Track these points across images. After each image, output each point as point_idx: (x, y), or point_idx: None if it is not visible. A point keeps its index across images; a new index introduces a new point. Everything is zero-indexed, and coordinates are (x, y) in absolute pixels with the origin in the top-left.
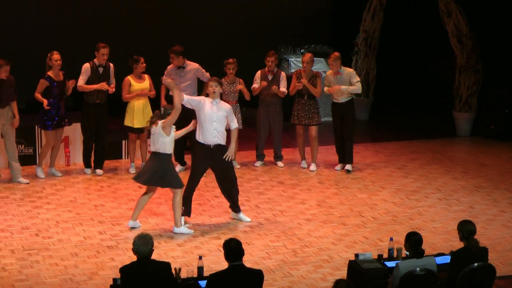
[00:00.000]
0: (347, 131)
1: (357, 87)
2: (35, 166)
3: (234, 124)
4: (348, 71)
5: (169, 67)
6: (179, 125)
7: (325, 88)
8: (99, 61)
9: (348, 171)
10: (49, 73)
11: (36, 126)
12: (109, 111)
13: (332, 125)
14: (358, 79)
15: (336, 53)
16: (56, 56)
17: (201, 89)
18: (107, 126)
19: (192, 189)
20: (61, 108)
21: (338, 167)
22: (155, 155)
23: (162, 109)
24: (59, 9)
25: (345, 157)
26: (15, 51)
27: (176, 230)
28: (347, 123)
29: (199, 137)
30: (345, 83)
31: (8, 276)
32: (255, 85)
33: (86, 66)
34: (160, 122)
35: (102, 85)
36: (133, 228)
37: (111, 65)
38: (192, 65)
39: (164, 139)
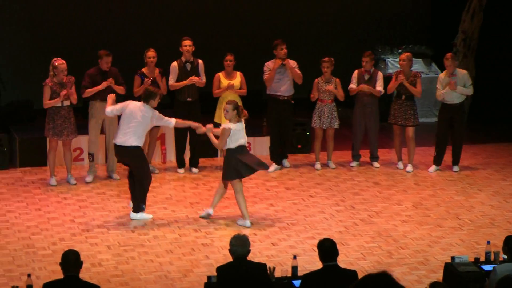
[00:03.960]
0: (459, 133)
1: (470, 90)
2: None
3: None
4: (462, 73)
5: (268, 63)
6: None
7: (438, 93)
8: (185, 57)
9: (455, 171)
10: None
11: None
12: (201, 108)
13: (437, 127)
14: (471, 82)
15: (450, 54)
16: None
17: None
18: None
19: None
20: None
21: (431, 169)
22: None
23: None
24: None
25: (453, 158)
26: (81, 49)
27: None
28: (459, 125)
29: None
30: (459, 84)
31: (104, 272)
32: (352, 85)
33: (174, 64)
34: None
35: (191, 79)
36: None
37: (200, 61)
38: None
39: None
